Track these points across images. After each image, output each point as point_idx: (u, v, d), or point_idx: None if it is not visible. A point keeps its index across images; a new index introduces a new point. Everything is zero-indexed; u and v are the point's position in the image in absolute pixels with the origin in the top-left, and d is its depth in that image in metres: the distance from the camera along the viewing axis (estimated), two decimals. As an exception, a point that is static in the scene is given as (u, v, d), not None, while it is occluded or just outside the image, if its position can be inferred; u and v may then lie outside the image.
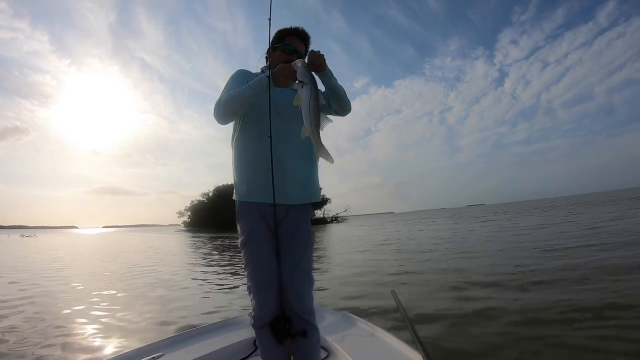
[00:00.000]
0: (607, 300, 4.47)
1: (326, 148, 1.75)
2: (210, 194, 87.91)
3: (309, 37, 2.08)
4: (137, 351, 2.27)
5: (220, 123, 1.88)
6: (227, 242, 23.80)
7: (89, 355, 3.74)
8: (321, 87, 1.87)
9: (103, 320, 5.11)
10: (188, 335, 2.58)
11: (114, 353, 2.65)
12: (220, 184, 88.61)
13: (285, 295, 1.82)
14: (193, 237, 36.65)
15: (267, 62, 2.09)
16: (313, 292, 1.90)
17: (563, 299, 4.70)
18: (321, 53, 1.82)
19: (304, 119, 1.69)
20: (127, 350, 2.28)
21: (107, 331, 4.58)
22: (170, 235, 48.34)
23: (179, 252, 19.12)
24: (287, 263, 1.85)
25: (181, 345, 2.39)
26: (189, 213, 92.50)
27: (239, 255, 13.59)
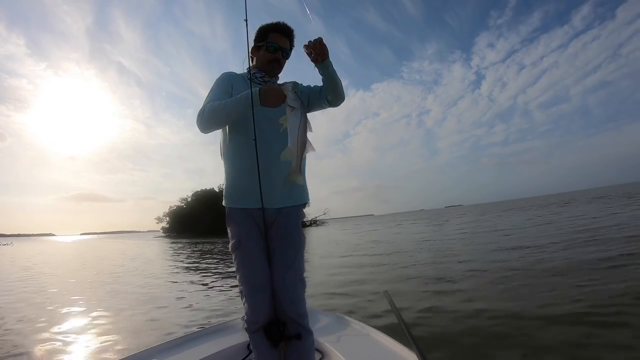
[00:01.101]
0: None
1: (302, 174, 1.78)
2: (189, 199, 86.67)
3: (293, 32, 2.01)
4: (130, 358, 2.21)
5: (203, 132, 1.85)
6: (207, 247, 23.49)
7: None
8: (317, 80, 1.94)
9: (94, 328, 5.01)
10: (181, 341, 2.53)
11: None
12: (199, 189, 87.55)
13: (278, 298, 1.81)
14: (172, 242, 36.15)
15: (252, 62, 2.02)
16: (305, 294, 1.90)
17: (550, 294, 4.90)
18: (322, 41, 1.77)
19: (289, 142, 1.67)
20: (120, 358, 2.23)
21: (95, 339, 4.49)
22: (149, 241, 47.52)
23: (159, 258, 18.77)
24: (279, 266, 1.84)
25: (174, 351, 2.35)
26: (167, 219, 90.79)
27: (225, 260, 13.55)
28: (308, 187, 2.03)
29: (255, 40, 1.99)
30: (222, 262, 13.34)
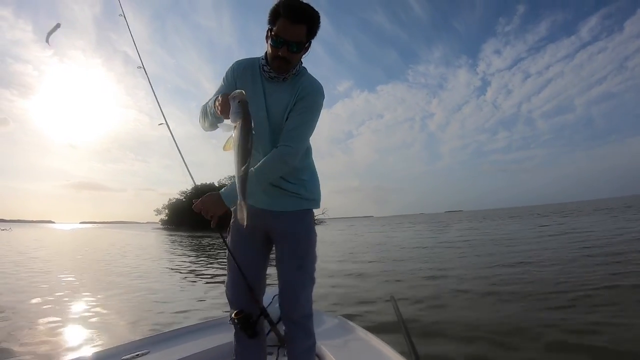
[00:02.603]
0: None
1: (246, 205, 1.43)
2: (189, 193, 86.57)
3: (312, 15, 1.58)
4: (122, 347, 2.20)
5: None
6: (205, 241, 23.50)
7: (74, 348, 3.69)
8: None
9: (88, 318, 5.02)
10: (175, 333, 2.49)
11: (97, 348, 2.56)
12: (199, 183, 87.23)
13: (281, 297, 1.79)
14: (170, 235, 36.16)
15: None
16: (312, 294, 1.84)
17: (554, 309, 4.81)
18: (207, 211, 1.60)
19: (234, 160, 1.41)
20: (112, 346, 2.22)
21: (89, 328, 4.51)
22: (147, 233, 47.59)
23: (158, 250, 18.81)
24: (280, 264, 1.81)
25: (168, 344, 2.32)
26: (166, 211, 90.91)
27: (222, 254, 13.55)
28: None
29: (269, 20, 1.60)
30: (219, 256, 13.36)
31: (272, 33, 1.58)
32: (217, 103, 1.57)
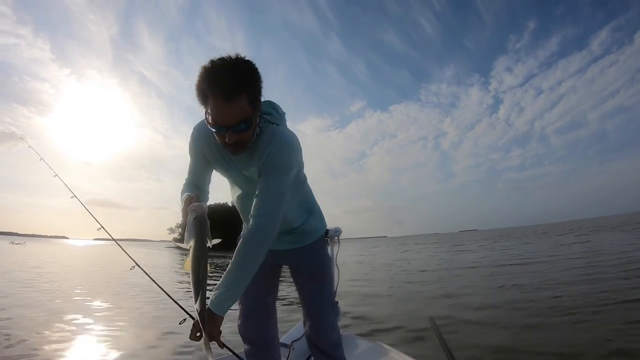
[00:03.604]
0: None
1: (208, 343, 1.21)
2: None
3: (248, 81, 1.28)
4: None
5: None
6: (219, 261, 23.48)
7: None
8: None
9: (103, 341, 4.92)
10: None
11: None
12: (212, 203, 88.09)
13: (306, 328, 1.77)
14: (182, 254, 36.16)
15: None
16: (337, 321, 1.81)
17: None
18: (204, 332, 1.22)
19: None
20: None
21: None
22: (160, 251, 47.90)
23: (169, 268, 18.82)
24: (302, 295, 1.79)
25: None
26: (179, 230, 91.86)
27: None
28: (320, 205, 1.89)
29: (198, 100, 1.31)
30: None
31: (210, 118, 1.29)
32: (183, 206, 1.39)
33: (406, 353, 2.41)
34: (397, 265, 16.94)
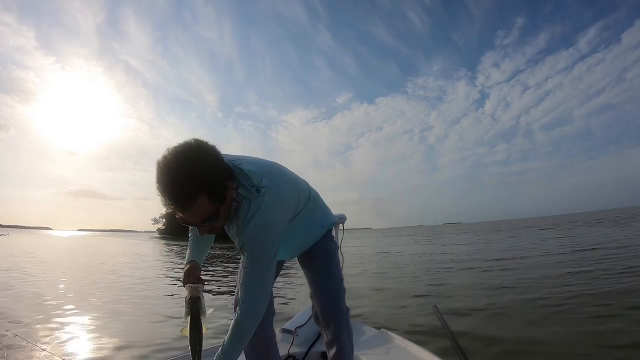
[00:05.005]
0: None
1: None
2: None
3: (204, 183, 1.22)
4: None
5: None
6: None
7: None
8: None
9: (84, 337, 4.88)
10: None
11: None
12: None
13: (318, 303, 1.84)
14: (166, 244, 36.11)
15: None
16: (345, 304, 1.87)
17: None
18: None
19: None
20: None
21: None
22: (144, 242, 47.57)
23: (154, 259, 18.70)
24: (314, 273, 1.86)
25: None
26: (164, 220, 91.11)
27: (229, 268, 13.44)
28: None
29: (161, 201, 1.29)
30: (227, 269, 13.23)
31: (176, 216, 1.29)
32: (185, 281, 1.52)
33: (410, 340, 2.45)
34: (382, 256, 17.18)
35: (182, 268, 1.60)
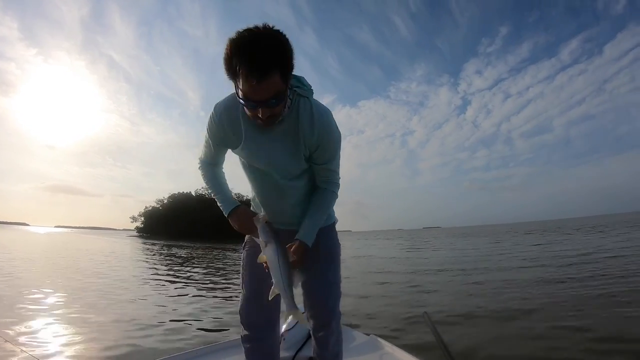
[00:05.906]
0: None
1: (299, 310, 1.52)
2: (165, 201, 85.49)
3: (281, 58, 1.23)
4: None
5: None
6: (182, 252, 23.10)
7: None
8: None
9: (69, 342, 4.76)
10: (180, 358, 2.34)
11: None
12: (176, 192, 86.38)
13: (313, 303, 1.79)
14: (145, 243, 35.39)
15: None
16: (339, 308, 1.84)
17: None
18: (296, 256, 1.51)
19: (273, 278, 1.43)
20: None
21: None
22: (122, 240, 46.45)
23: (133, 259, 18.37)
24: (314, 272, 1.76)
25: None
26: (142, 219, 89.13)
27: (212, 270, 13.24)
28: None
29: (227, 69, 1.27)
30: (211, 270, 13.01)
31: (240, 92, 1.28)
32: (240, 222, 1.59)
33: (399, 346, 2.45)
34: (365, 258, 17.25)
35: (225, 217, 1.63)
